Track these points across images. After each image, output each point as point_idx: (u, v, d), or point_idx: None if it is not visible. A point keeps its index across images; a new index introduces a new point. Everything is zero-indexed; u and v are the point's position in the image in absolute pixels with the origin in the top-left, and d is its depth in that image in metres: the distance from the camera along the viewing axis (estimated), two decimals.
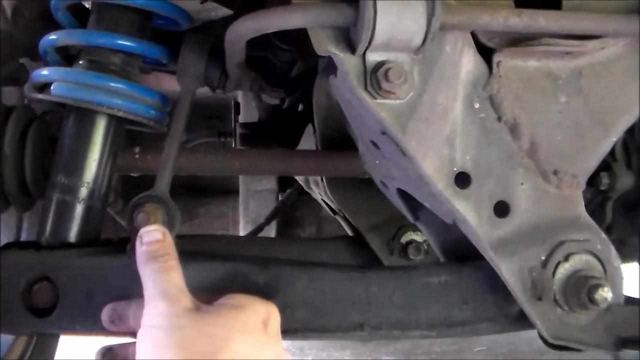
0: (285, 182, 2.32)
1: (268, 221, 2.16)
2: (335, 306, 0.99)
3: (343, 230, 1.72)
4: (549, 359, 2.31)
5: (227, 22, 0.96)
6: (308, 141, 1.70)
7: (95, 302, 0.94)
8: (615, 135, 0.99)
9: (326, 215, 2.10)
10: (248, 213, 2.48)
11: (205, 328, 0.80)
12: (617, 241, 1.46)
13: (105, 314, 0.93)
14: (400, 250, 1.58)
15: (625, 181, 1.41)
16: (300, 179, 1.92)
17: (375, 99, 0.85)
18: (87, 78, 1.03)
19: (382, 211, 1.55)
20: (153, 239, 0.90)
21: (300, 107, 1.80)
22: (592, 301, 0.94)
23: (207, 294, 0.89)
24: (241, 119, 2.20)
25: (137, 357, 0.81)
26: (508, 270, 0.96)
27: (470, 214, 0.93)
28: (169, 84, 1.27)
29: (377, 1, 0.79)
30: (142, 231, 0.91)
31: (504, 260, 0.96)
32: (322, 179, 1.58)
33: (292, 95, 1.65)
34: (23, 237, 1.83)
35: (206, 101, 2.11)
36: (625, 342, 1.02)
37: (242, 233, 2.53)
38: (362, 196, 1.55)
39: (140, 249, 0.89)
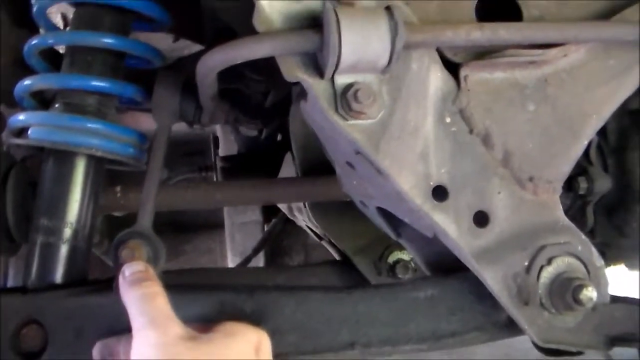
0: (270, 213, 2.33)
1: (255, 252, 2.16)
2: (325, 327, 0.99)
3: (331, 255, 1.72)
4: None
5: (198, 57, 0.97)
6: (288, 169, 1.71)
7: (84, 342, 0.94)
8: (585, 139, 1.00)
9: (313, 242, 2.10)
10: (235, 246, 2.49)
11: (200, 358, 0.79)
12: (602, 244, 1.48)
13: (96, 350, 0.92)
14: (388, 270, 1.59)
15: (602, 184, 1.43)
16: (283, 207, 1.92)
17: (347, 120, 0.86)
18: (64, 120, 1.04)
19: (367, 233, 1.56)
20: (135, 269, 0.90)
21: (278, 137, 1.82)
22: (578, 302, 0.95)
23: (196, 324, 0.89)
24: (221, 152, 2.21)
25: None
26: (492, 279, 0.97)
27: (450, 226, 0.94)
28: (146, 122, 1.28)
29: (341, 26, 0.81)
30: (124, 267, 0.91)
31: (488, 268, 0.97)
32: (305, 205, 1.59)
33: (269, 126, 1.67)
34: (9, 283, 1.83)
35: (185, 138, 2.13)
36: (614, 340, 1.03)
37: (230, 266, 2.53)
38: (345, 219, 1.56)
39: (122, 280, 0.90)
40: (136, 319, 0.83)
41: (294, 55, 0.86)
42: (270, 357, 0.88)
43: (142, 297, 0.85)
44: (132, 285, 0.87)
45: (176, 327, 0.82)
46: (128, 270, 0.90)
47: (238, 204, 2.13)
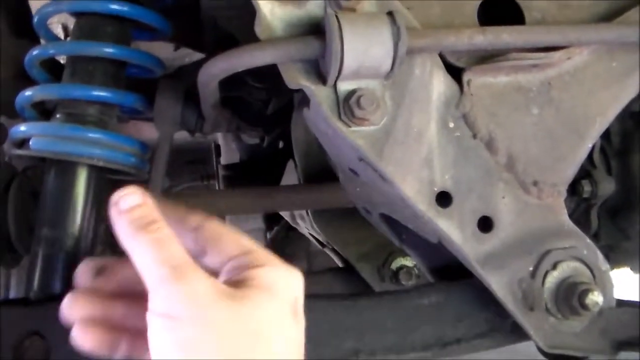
0: (272, 220, 2.32)
1: None
2: (330, 336, 0.99)
3: (333, 263, 1.72)
4: None
5: (200, 65, 0.97)
6: (290, 177, 1.71)
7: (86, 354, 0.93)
8: (589, 142, 1.00)
9: (316, 249, 2.10)
10: None
11: (242, 324, 0.67)
12: (606, 247, 1.48)
13: (82, 269, 0.81)
14: (391, 276, 1.59)
15: (606, 187, 1.43)
16: (286, 214, 1.92)
17: (350, 127, 0.86)
18: (65, 130, 1.04)
19: (370, 239, 1.56)
20: (132, 203, 0.73)
21: (280, 144, 1.82)
22: (584, 306, 0.95)
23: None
24: (223, 160, 2.21)
25: (157, 352, 0.67)
26: (497, 284, 0.96)
27: (454, 232, 0.94)
28: (148, 131, 1.28)
29: (343, 32, 0.81)
30: (115, 197, 0.74)
31: (493, 274, 0.96)
32: (307, 213, 1.59)
33: (270, 133, 1.67)
34: (11, 295, 1.83)
35: (187, 146, 2.13)
36: (621, 345, 1.02)
37: None
38: (348, 226, 1.56)
39: (121, 220, 0.73)
40: (151, 271, 0.69)
41: (296, 63, 0.85)
42: (303, 310, 0.75)
43: (154, 242, 0.70)
44: (137, 230, 0.71)
45: (205, 279, 0.68)
46: (123, 204, 0.73)
47: (240, 212, 2.12)
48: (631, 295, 1.11)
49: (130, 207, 0.73)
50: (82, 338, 0.77)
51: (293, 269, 0.76)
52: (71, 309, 0.79)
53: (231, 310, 0.67)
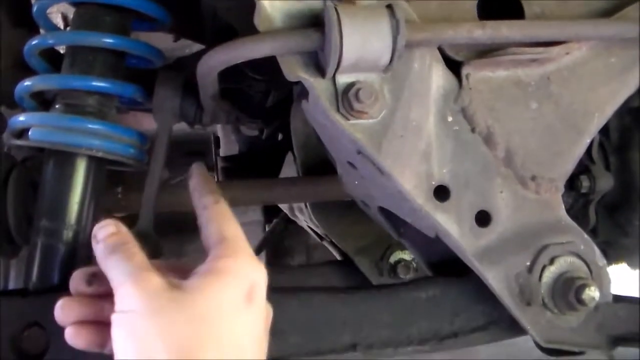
0: (271, 213, 2.32)
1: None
2: (327, 329, 0.99)
3: (332, 255, 1.72)
4: None
5: (199, 56, 0.97)
6: (289, 169, 1.71)
7: None
8: (588, 137, 1.00)
9: (315, 242, 2.10)
10: None
11: (186, 310, 0.74)
12: (604, 243, 1.48)
13: (77, 277, 0.89)
14: (389, 270, 1.59)
15: (604, 183, 1.43)
16: (284, 207, 1.92)
17: (348, 119, 0.86)
18: (64, 121, 1.04)
19: (369, 233, 1.56)
20: (107, 233, 0.85)
21: (279, 137, 1.82)
22: (580, 302, 0.95)
23: (180, 264, 0.87)
24: (222, 152, 2.21)
25: (115, 346, 0.76)
26: (494, 279, 0.97)
27: (451, 226, 0.94)
28: (147, 122, 1.28)
29: (342, 25, 0.80)
30: (95, 229, 0.87)
31: (490, 268, 0.96)
32: (306, 206, 1.59)
33: (270, 125, 1.67)
34: (10, 286, 1.83)
35: (186, 138, 2.12)
36: (617, 340, 1.03)
37: None
38: (347, 219, 1.56)
39: (98, 247, 0.84)
40: (115, 279, 0.80)
41: (295, 55, 0.85)
42: (264, 299, 0.81)
43: (121, 258, 0.81)
44: (109, 253, 0.83)
45: (155, 277, 0.77)
46: (100, 234, 0.86)
47: (239, 204, 2.12)
48: (631, 292, 1.11)
49: (105, 235, 0.85)
50: (74, 338, 0.86)
51: (255, 259, 0.82)
52: (64, 313, 0.87)
53: (177, 300, 0.75)
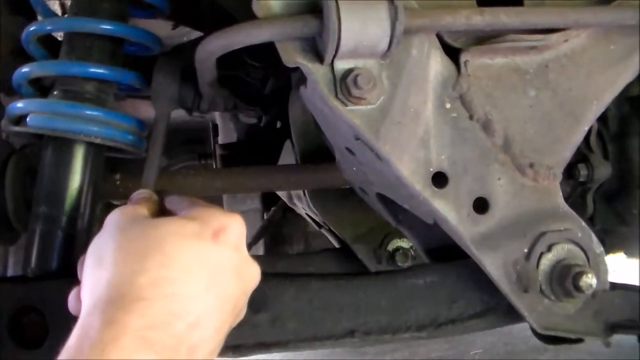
0: (270, 201, 2.33)
1: (255, 240, 2.16)
2: (325, 315, 1.00)
3: (331, 244, 1.73)
4: (546, 358, 2.33)
5: (197, 43, 0.97)
6: (288, 157, 1.71)
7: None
8: (586, 125, 1.00)
9: (313, 230, 2.10)
10: None
11: (147, 231, 0.77)
12: (602, 231, 1.48)
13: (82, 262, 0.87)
14: (387, 257, 1.60)
15: (602, 171, 1.43)
16: (283, 195, 1.93)
17: (347, 105, 0.86)
18: (63, 107, 1.04)
19: (367, 220, 1.57)
20: (140, 196, 0.91)
21: (278, 124, 1.82)
22: (578, 289, 0.95)
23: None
24: (220, 140, 2.21)
25: (86, 253, 0.81)
26: (492, 265, 0.97)
27: (450, 212, 0.94)
28: (146, 109, 1.28)
29: (340, 11, 0.80)
30: (134, 194, 0.93)
31: (488, 255, 0.97)
32: (304, 193, 1.59)
33: (268, 113, 1.67)
34: (9, 272, 1.83)
35: (185, 125, 2.13)
36: (614, 327, 1.03)
37: None
38: (345, 207, 1.56)
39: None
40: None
41: (293, 41, 0.85)
42: (238, 243, 0.81)
43: (132, 201, 0.89)
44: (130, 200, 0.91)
45: (140, 209, 0.85)
46: (135, 197, 0.92)
47: (237, 191, 2.13)
48: (632, 281, 1.12)
49: (137, 198, 0.91)
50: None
51: (232, 213, 0.83)
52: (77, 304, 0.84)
53: (141, 224, 0.79)
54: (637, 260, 1.72)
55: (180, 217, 0.82)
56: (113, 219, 0.82)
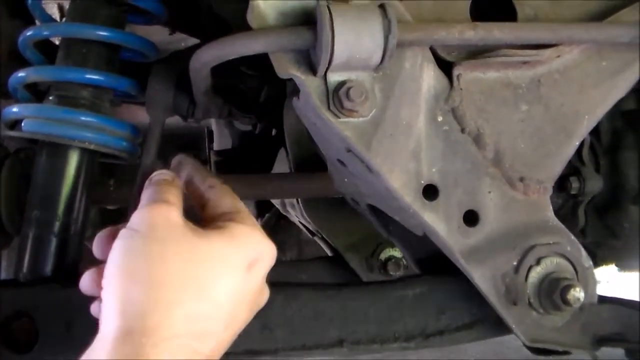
0: (264, 208, 2.33)
1: None
2: (314, 324, 1.00)
3: (324, 252, 1.73)
4: None
5: (194, 50, 0.98)
6: (282, 165, 1.72)
7: (75, 333, 0.94)
8: (577, 140, 1.01)
9: (306, 238, 2.10)
10: None
11: (185, 249, 0.75)
12: (593, 244, 1.49)
13: (87, 279, 0.85)
14: (379, 267, 1.60)
15: (594, 185, 1.44)
16: (276, 202, 1.93)
17: (339, 117, 0.86)
18: (58, 113, 1.05)
19: (359, 229, 1.57)
20: (162, 177, 0.87)
21: (272, 132, 1.82)
22: (565, 302, 0.96)
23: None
24: (215, 147, 2.21)
25: (110, 254, 0.76)
26: (481, 278, 0.97)
27: (439, 224, 0.94)
28: (141, 116, 1.28)
29: (334, 23, 0.81)
30: (154, 174, 0.88)
31: (477, 268, 0.97)
32: (298, 201, 1.60)
33: (263, 120, 1.67)
34: (1, 276, 1.83)
35: (180, 131, 2.13)
36: (602, 341, 1.04)
37: None
38: (338, 216, 1.56)
39: (147, 185, 0.86)
40: (141, 201, 0.82)
41: (287, 52, 0.86)
42: (264, 276, 0.81)
43: (155, 190, 0.83)
44: (153, 184, 0.85)
45: (174, 213, 0.78)
46: (155, 177, 0.87)
47: None
48: (631, 295, 1.12)
49: (158, 179, 0.86)
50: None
51: (270, 240, 0.82)
52: (91, 284, 0.84)
53: (182, 238, 0.75)
54: (637, 273, 1.73)
55: (220, 233, 0.79)
56: (147, 220, 0.77)
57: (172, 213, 0.78)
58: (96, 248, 0.86)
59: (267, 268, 0.82)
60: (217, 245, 0.77)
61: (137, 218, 0.78)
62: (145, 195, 0.83)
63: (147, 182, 0.87)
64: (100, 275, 0.78)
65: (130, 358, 0.67)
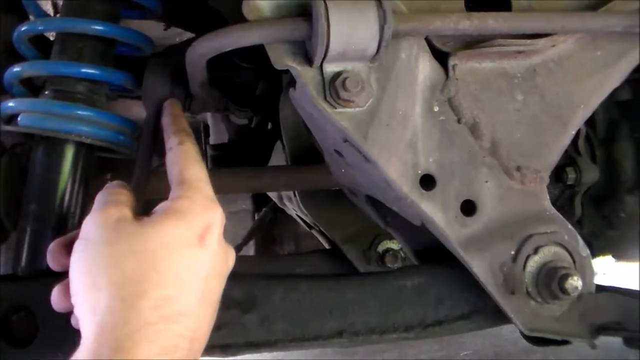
0: (260, 201, 2.33)
1: (246, 241, 2.16)
2: (313, 315, 1.00)
3: (321, 245, 1.73)
4: (535, 359, 2.34)
5: (189, 44, 0.98)
6: (278, 158, 1.72)
7: (74, 329, 0.94)
8: (573, 129, 1.01)
9: (304, 231, 2.11)
10: (225, 235, 2.48)
11: (135, 244, 0.76)
12: (589, 234, 1.50)
13: (55, 295, 0.86)
14: (377, 259, 1.60)
15: (590, 175, 1.44)
16: (273, 195, 1.93)
17: (335, 108, 0.87)
18: (54, 107, 1.04)
19: (357, 222, 1.57)
20: (111, 185, 0.89)
21: (269, 125, 1.82)
22: (563, 291, 0.97)
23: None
24: (211, 140, 2.21)
25: (70, 271, 0.78)
26: (479, 267, 0.98)
27: (437, 214, 0.95)
28: (137, 110, 1.28)
29: (329, 14, 0.81)
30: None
31: (475, 257, 0.98)
32: (295, 194, 1.60)
33: (259, 114, 1.67)
34: (1, 272, 1.82)
35: None
36: (599, 329, 1.04)
37: None
38: (335, 208, 1.56)
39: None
40: (94, 205, 0.83)
41: (283, 44, 0.86)
42: (219, 242, 0.82)
43: (103, 193, 0.85)
44: (101, 192, 0.86)
45: (120, 211, 0.80)
46: (106, 186, 0.88)
47: (228, 192, 2.12)
48: (631, 285, 1.12)
49: (108, 186, 0.88)
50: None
51: (212, 201, 0.84)
52: (61, 300, 0.85)
53: (130, 234, 0.77)
54: (634, 264, 1.73)
55: (165, 215, 0.80)
56: (95, 227, 0.79)
57: (120, 212, 0.80)
58: (50, 260, 0.88)
59: (219, 231, 0.82)
60: (165, 229, 0.78)
61: (86, 225, 0.80)
62: (96, 200, 0.84)
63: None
64: (67, 290, 0.80)
65: (112, 355, 0.69)
